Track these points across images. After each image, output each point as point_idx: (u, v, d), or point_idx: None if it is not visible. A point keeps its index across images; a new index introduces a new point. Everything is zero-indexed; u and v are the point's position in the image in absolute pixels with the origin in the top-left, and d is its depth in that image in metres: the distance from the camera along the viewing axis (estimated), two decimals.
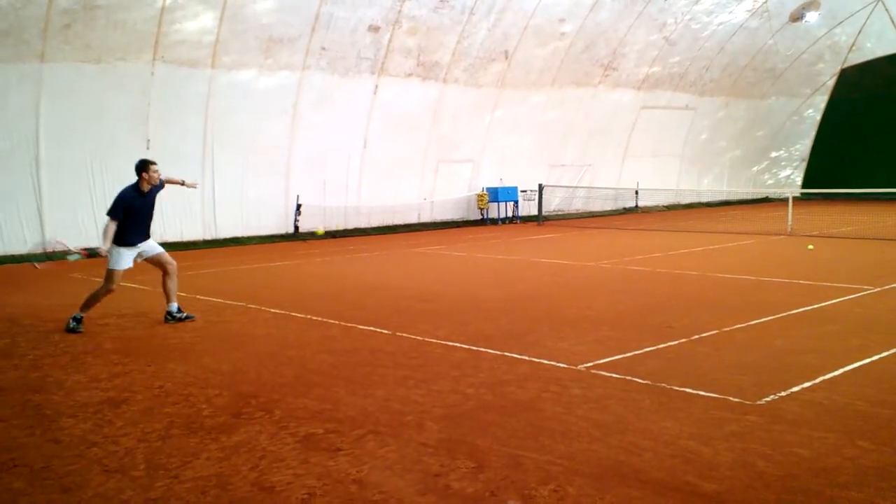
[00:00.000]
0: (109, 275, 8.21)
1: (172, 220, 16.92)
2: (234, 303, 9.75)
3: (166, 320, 8.49)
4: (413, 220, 21.66)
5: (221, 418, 5.16)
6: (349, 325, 8.22)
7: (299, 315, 8.84)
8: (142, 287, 11.28)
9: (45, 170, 15.13)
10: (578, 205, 26.33)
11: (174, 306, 8.56)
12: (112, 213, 8.12)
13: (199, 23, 15.96)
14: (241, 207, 18.14)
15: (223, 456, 4.47)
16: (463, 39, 20.07)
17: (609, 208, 26.74)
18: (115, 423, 5.11)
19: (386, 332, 7.80)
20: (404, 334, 7.63)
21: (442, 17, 19.14)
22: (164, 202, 16.58)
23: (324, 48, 17.97)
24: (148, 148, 16.18)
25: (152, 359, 6.88)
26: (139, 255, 8.44)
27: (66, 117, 15.17)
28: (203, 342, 7.55)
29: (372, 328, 7.96)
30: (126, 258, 8.28)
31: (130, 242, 8.27)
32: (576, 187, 25.83)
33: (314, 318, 8.66)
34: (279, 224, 18.85)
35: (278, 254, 15.68)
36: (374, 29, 18.40)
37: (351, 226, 20.00)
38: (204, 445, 4.65)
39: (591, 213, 26.00)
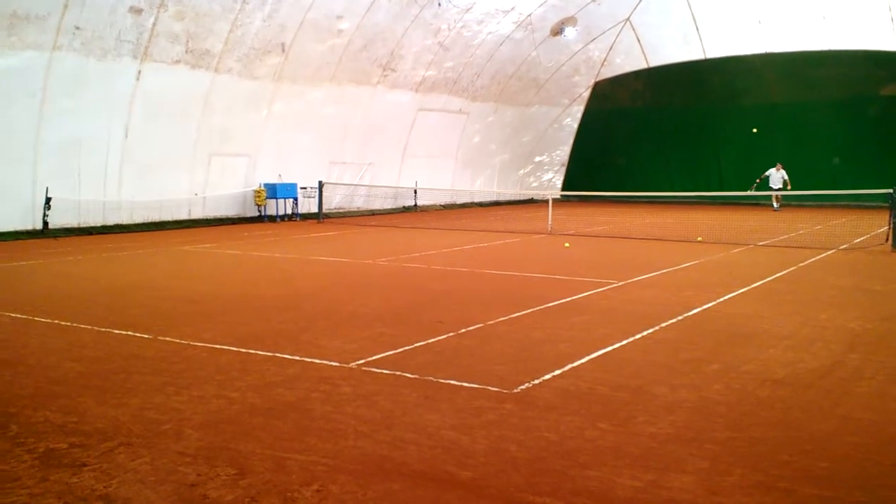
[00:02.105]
0: None
1: None
2: None
3: None
4: (183, 216, 20.48)
5: None
6: (102, 329, 7.59)
7: (44, 320, 8.01)
8: None
9: None
10: (359, 203, 26.48)
11: None
12: None
13: None
14: None
15: None
16: (236, 28, 19.34)
17: (389, 207, 27.18)
18: None
19: (146, 336, 7.29)
20: (166, 338, 7.19)
21: (212, 3, 18.29)
22: None
23: (78, 27, 16.43)
24: None
25: None
26: None
27: None
28: None
29: (129, 332, 7.41)
30: None
31: None
32: (356, 185, 25.96)
33: (62, 322, 7.89)
34: (24, 219, 16.93)
35: (22, 252, 14.12)
36: (135, 11, 17.13)
37: (111, 222, 18.50)
38: None
39: (371, 211, 26.26)
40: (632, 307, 8.96)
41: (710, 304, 9.08)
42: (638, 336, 7.37)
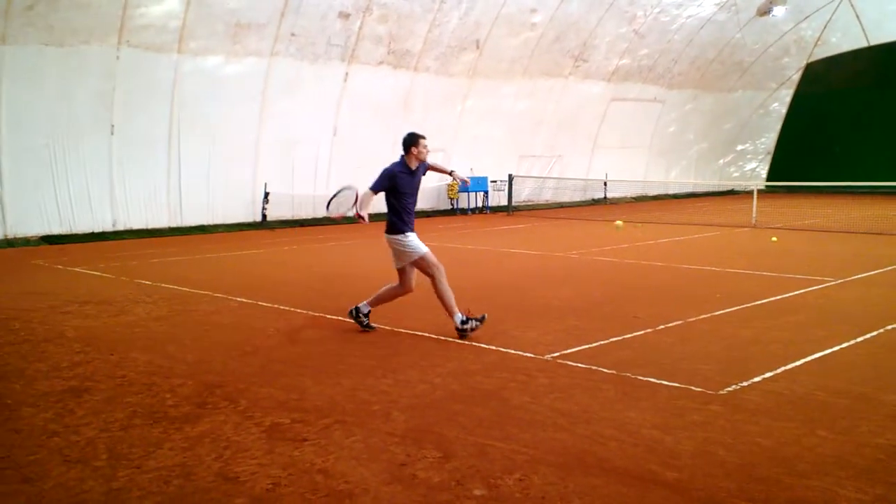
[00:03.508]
0: (428, 259, 7.12)
1: (137, 206, 16.68)
2: (200, 291, 9.64)
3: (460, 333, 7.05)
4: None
5: (185, 408, 5.11)
6: (316, 314, 8.17)
7: (266, 304, 8.77)
8: (103, 275, 11.12)
9: (5, 156, 14.79)
10: (548, 195, 26.44)
11: (459, 317, 7.03)
12: (374, 185, 7.42)
13: (164, 7, 15.68)
14: (208, 195, 17.91)
15: (187, 446, 4.43)
16: (434, 28, 19.99)
17: (578, 199, 26.90)
18: (76, 413, 5.02)
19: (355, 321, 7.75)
20: (373, 324, 7.60)
21: (413, 4, 19.03)
22: (129, 188, 16.45)
23: (293, 34, 17.78)
24: (112, 133, 15.92)
25: (115, 348, 6.77)
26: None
27: (28, 101, 14.82)
28: (168, 331, 7.45)
29: (340, 318, 7.91)
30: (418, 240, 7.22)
31: (411, 227, 7.25)
32: (545, 178, 25.93)
33: (281, 307, 8.59)
34: (246, 212, 18.65)
35: (245, 242, 15.53)
36: (344, 15, 18.24)
37: (320, 215, 19.84)
38: (167, 435, 4.60)
39: (560, 203, 26.13)
40: (853, 307, 8.21)
41: None
42: (861, 339, 6.75)
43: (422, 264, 7.12)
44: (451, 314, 7.02)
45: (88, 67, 15.39)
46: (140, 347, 6.78)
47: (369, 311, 7.32)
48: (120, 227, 16.51)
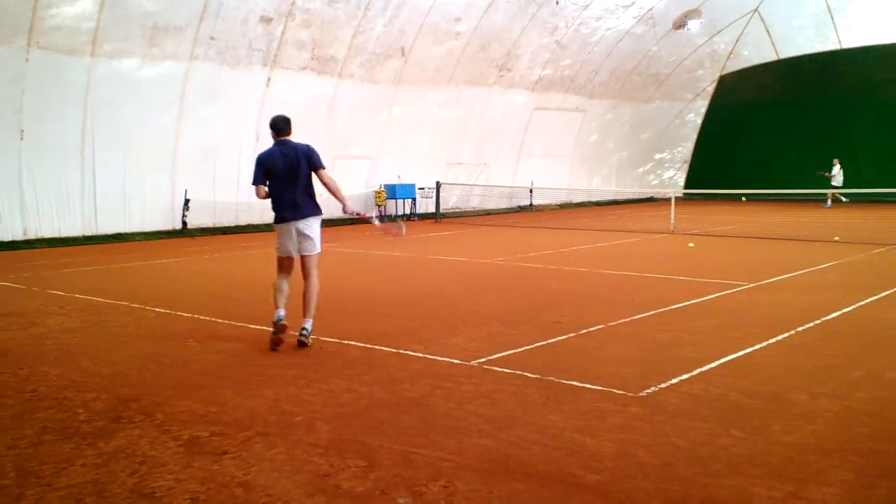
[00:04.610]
0: None
1: (49, 214, 15.99)
2: (116, 302, 9.31)
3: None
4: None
5: (99, 423, 4.91)
6: (238, 324, 8.00)
7: (185, 314, 8.53)
8: (13, 286, 10.62)
9: None
10: (475, 203, 26.66)
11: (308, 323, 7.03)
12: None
13: (77, 7, 15.12)
14: (124, 202, 17.32)
15: (100, 462, 4.26)
16: (358, 34, 19.91)
17: (504, 206, 27.20)
18: None
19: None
20: (296, 333, 7.48)
21: (337, 10, 18.92)
22: (40, 195, 15.74)
23: (213, 38, 17.40)
24: (22, 139, 15.23)
25: (24, 361, 6.47)
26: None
27: None
28: (81, 344, 7.16)
29: (262, 327, 7.75)
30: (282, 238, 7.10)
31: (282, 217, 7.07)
32: (472, 185, 26.14)
33: (201, 317, 8.38)
34: (165, 220, 18.13)
35: (164, 251, 15.08)
36: (265, 20, 17.97)
37: (243, 222, 19.47)
38: (80, 451, 4.42)
39: (487, 210, 26.38)
40: (764, 310, 8.55)
41: (851, 308, 8.54)
42: (772, 340, 7.03)
43: None
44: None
45: None
46: (51, 361, 6.49)
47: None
48: (31, 236, 15.79)
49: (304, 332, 6.94)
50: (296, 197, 7.06)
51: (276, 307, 6.95)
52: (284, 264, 7.19)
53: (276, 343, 6.85)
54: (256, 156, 7.29)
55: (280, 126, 7.22)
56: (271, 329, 6.89)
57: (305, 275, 7.13)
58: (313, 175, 7.17)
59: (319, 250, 7.20)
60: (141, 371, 6.17)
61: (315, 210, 7.19)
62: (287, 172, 7.05)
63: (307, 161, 7.08)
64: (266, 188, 7.17)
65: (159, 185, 17.90)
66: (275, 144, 7.22)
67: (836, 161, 27.07)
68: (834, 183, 26.59)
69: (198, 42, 17.20)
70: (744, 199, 15.56)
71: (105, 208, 16.93)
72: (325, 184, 7.13)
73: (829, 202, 26.98)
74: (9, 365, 6.36)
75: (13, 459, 4.30)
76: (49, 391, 5.61)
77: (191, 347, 7.01)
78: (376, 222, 8.07)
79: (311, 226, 7.14)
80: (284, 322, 6.86)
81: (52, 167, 15.89)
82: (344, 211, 7.33)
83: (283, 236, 7.14)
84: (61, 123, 15.89)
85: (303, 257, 7.13)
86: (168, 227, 18.13)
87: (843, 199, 27.28)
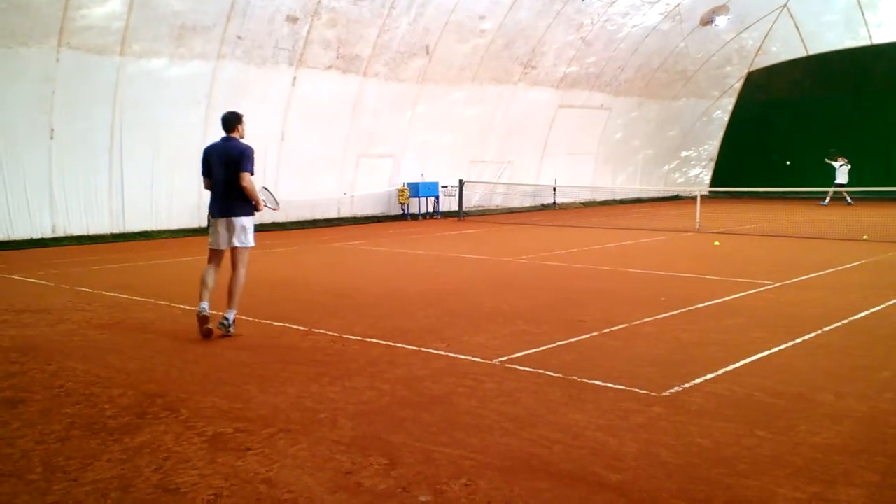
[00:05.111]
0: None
1: (78, 212, 16.23)
2: (143, 299, 9.43)
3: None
4: (333, 214, 21.40)
5: (125, 419, 4.98)
6: (262, 321, 8.06)
7: (210, 311, 8.59)
8: (42, 283, 10.80)
9: None
10: (498, 201, 26.61)
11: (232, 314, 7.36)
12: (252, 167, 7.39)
13: (107, 8, 15.32)
14: (152, 200, 17.53)
15: (126, 457, 4.32)
16: (384, 33, 19.95)
17: (528, 204, 27.12)
18: (10, 425, 4.86)
19: (301, 328, 7.68)
20: (320, 330, 7.54)
21: (362, 9, 18.97)
22: (69, 193, 15.99)
23: (239, 37, 17.54)
24: (52, 138, 15.47)
25: (52, 357, 6.57)
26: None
27: None
28: (108, 340, 7.26)
29: (286, 324, 7.83)
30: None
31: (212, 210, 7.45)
32: (496, 183, 26.09)
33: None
34: (192, 217, 18.29)
35: (190, 248, 15.23)
36: (292, 19, 18.08)
37: (268, 220, 19.59)
38: (106, 447, 4.48)
39: (510, 209, 26.32)
40: (791, 310, 8.44)
41: (879, 307, 8.40)
42: (798, 340, 6.94)
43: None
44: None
45: (26, 70, 14.93)
46: (79, 357, 6.59)
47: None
48: (60, 234, 16.04)
49: (225, 321, 7.23)
50: (227, 193, 7.30)
51: (200, 299, 7.25)
52: (213, 256, 7.51)
53: (205, 334, 7.13)
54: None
55: (225, 123, 7.51)
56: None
57: (233, 266, 7.43)
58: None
59: (252, 245, 7.47)
60: (166, 367, 6.25)
61: (245, 210, 7.39)
62: (222, 169, 7.31)
63: (239, 162, 7.25)
64: (209, 180, 7.43)
65: (186, 183, 18.03)
66: (221, 139, 7.49)
67: (841, 158, 26.40)
68: (838, 181, 26.04)
69: (225, 41, 17.35)
70: (788, 163, 15.32)
71: (133, 206, 17.15)
72: (242, 186, 7.28)
73: (828, 200, 26.36)
74: (37, 361, 6.47)
75: (41, 454, 4.37)
76: (76, 387, 5.70)
77: (216, 343, 7.07)
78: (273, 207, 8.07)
79: (241, 222, 7.36)
80: (206, 314, 7.15)
81: (81, 165, 16.12)
82: (257, 209, 7.49)
83: (213, 230, 7.44)
84: (90, 122, 16.11)
85: (232, 250, 7.41)
86: (195, 224, 18.30)
87: (848, 200, 26.39)
